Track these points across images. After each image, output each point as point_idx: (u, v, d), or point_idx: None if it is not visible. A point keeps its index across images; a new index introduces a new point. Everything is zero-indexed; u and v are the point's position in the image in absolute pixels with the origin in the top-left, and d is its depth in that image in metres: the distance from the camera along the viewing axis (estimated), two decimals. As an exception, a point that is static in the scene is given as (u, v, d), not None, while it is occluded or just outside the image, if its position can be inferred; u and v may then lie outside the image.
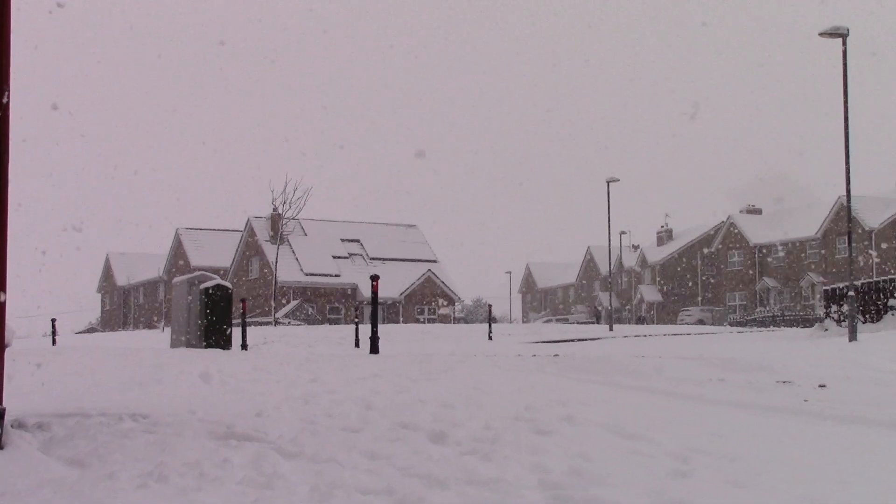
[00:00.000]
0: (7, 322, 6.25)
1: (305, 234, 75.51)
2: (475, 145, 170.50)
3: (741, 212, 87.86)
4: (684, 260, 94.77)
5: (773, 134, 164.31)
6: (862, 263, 70.86)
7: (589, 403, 9.22)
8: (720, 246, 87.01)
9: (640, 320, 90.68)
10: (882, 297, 29.39)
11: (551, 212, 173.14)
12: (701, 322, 79.27)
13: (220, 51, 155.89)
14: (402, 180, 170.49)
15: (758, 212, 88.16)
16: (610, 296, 52.53)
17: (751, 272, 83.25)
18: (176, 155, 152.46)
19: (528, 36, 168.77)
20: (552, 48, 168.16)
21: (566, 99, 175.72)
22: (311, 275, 72.30)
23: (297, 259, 72.98)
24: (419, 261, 77.10)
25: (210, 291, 21.49)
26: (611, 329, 45.18)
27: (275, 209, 68.89)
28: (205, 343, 21.14)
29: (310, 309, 70.33)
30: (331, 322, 69.94)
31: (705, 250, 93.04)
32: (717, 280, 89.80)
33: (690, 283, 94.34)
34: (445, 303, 75.47)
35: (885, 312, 29.12)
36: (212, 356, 15.28)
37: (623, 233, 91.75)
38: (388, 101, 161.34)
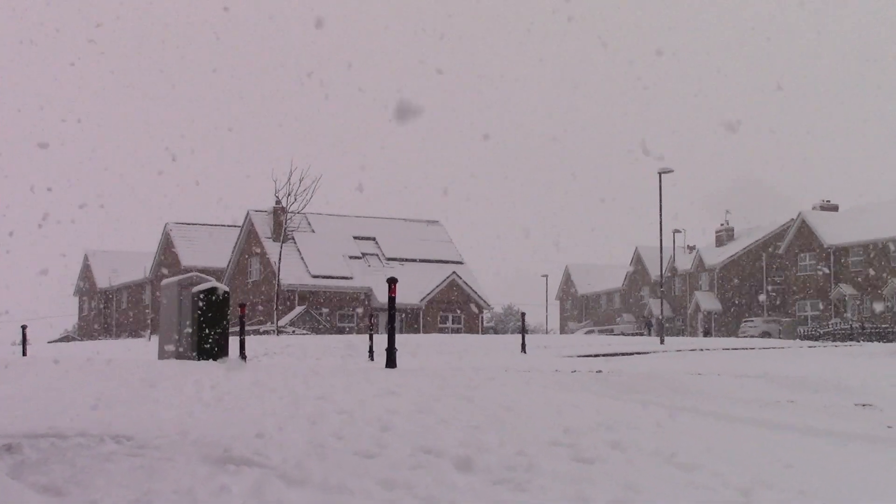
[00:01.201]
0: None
1: (313, 231, 75.65)
2: (506, 132, 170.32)
3: (814, 208, 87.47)
4: (747, 263, 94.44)
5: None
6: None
7: (638, 427, 9.19)
8: (789, 247, 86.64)
9: (706, 329, 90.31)
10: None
11: (594, 207, 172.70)
12: (766, 334, 78.96)
13: (217, 30, 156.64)
14: (423, 171, 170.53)
15: (833, 208, 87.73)
16: (661, 303, 52.39)
17: (825, 277, 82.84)
18: (165, 141, 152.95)
19: (568, 21, 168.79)
20: (593, 33, 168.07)
21: (611, 82, 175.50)
22: (319, 277, 72.42)
23: (302, 259, 73.12)
24: (442, 262, 77.11)
25: (203, 295, 21.55)
26: (662, 342, 45.07)
27: (278, 202, 69.06)
28: (197, 354, 21.19)
29: (317, 316, 70.46)
30: (341, 331, 70.06)
31: (772, 252, 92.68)
32: (785, 286, 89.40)
33: (754, 290, 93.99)
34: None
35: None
36: (205, 369, 15.32)
37: (677, 231, 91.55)
38: (406, 85, 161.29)
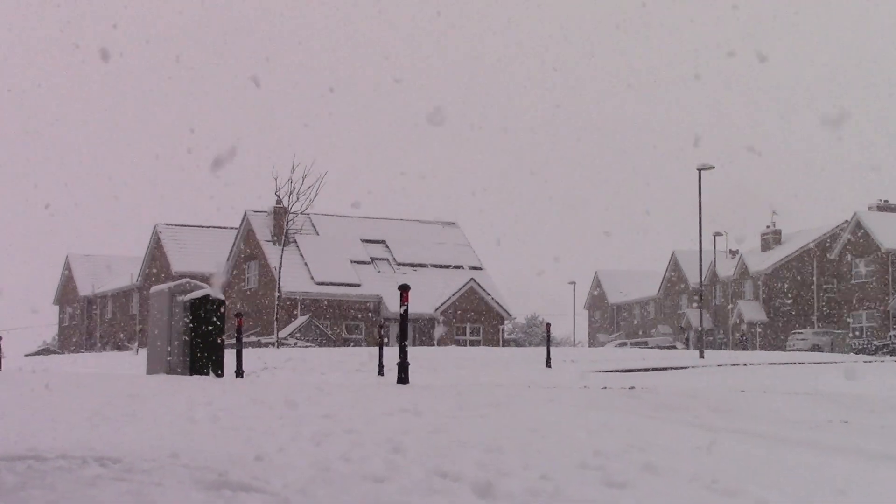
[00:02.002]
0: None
1: (317, 234, 75.78)
2: (528, 123, 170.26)
3: (870, 208, 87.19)
4: (796, 269, 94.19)
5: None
6: None
7: (675, 449, 9.19)
8: (843, 252, 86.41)
9: (742, 343, 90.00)
10: None
11: (626, 207, 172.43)
12: (816, 348, 78.80)
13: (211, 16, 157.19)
14: (438, 167, 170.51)
15: (892, 208, 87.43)
16: (700, 313, 52.30)
17: (882, 285, 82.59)
18: (155, 136, 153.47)
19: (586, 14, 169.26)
20: (613, 27, 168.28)
21: (646, 69, 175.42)
22: (324, 284, 72.52)
23: (306, 264, 73.24)
24: (460, 267, 77.17)
25: (197, 304, 21.59)
26: (701, 356, 45.00)
27: (278, 201, 69.18)
28: (190, 369, 21.25)
29: (322, 327, 70.54)
30: (348, 343, 70.13)
31: (823, 257, 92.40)
32: (838, 295, 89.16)
33: (804, 299, 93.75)
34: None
35: None
36: (199, 385, 15.36)
37: (718, 234, 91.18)
38: (418, 77, 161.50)
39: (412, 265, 76.13)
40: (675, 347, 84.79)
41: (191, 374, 20.86)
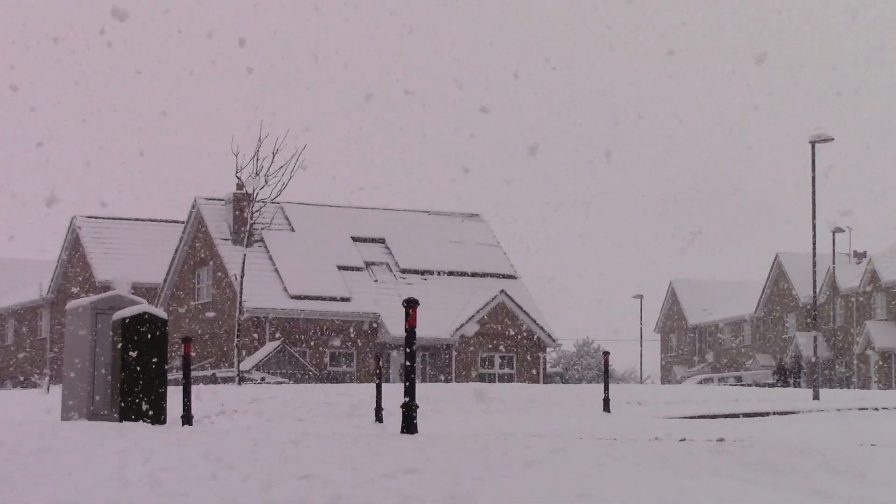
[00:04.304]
0: None
1: (292, 229, 75.79)
2: (574, 95, 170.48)
3: None
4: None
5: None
6: None
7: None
8: None
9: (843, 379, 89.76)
10: None
11: (708, 196, 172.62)
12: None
13: None
14: (456, 146, 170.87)
15: None
16: (814, 340, 52.23)
17: None
18: (77, 107, 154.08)
19: None
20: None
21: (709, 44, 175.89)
22: (302, 298, 72.51)
23: (276, 271, 73.24)
24: (485, 275, 77.12)
25: (130, 325, 21.64)
26: (815, 396, 44.99)
27: (240, 186, 69.03)
28: (121, 412, 21.31)
29: (299, 356, 70.57)
30: (335, 378, 70.14)
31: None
32: None
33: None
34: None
35: None
36: (134, 435, 15.41)
37: (838, 230, 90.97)
38: (435, 41, 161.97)
39: (421, 272, 76.05)
40: (787, 384, 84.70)
41: (122, 420, 20.92)
